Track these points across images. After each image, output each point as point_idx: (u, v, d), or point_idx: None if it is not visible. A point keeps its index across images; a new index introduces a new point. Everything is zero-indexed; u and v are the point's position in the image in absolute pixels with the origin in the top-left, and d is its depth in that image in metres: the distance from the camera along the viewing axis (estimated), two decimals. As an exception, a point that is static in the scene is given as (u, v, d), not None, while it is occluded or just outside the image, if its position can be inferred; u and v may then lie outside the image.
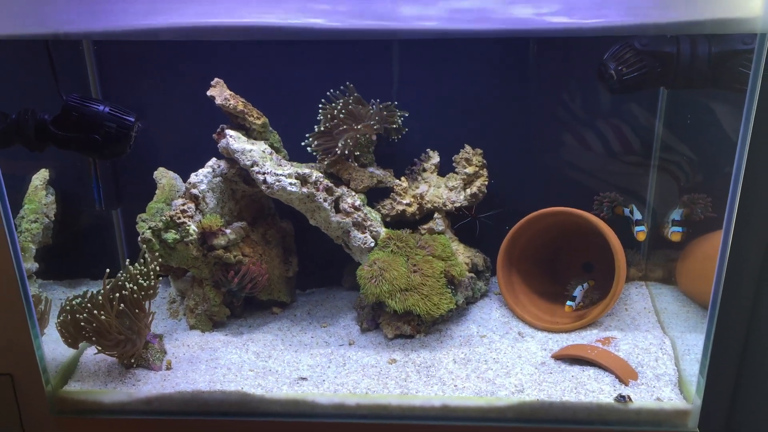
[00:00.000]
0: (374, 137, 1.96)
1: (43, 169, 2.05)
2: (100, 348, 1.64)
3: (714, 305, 1.44)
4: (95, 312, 1.57)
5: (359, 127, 1.89)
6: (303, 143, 1.95)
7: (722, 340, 1.46)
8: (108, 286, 1.60)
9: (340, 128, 1.91)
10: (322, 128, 1.93)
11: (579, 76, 1.97)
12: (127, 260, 1.68)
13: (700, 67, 1.56)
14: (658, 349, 1.74)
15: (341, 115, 1.90)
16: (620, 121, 2.00)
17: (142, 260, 1.68)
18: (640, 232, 1.91)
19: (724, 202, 1.39)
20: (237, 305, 1.99)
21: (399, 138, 1.97)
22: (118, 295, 1.59)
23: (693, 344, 1.67)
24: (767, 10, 1.18)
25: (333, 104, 1.92)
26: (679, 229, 1.85)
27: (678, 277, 2.04)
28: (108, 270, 1.62)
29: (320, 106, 1.93)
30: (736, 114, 1.33)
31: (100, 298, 1.59)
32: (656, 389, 1.58)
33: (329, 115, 1.91)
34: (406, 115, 1.94)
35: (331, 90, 1.91)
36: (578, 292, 1.92)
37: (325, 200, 1.87)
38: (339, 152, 1.89)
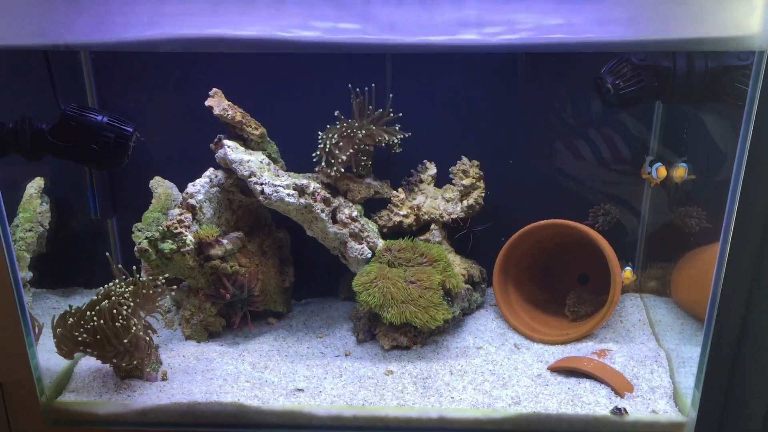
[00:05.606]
0: (372, 148, 1.96)
1: (38, 178, 2.04)
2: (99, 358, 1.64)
3: (710, 318, 1.45)
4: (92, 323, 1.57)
5: (362, 135, 1.89)
6: (314, 171, 1.98)
7: (717, 353, 1.47)
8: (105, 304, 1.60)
9: (343, 141, 1.91)
10: (325, 149, 1.93)
11: (576, 89, 1.98)
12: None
13: (697, 82, 1.57)
14: (653, 362, 1.75)
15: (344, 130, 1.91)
16: (616, 134, 2.01)
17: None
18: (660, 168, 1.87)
19: (719, 213, 1.40)
20: (237, 317, 1.97)
21: (399, 149, 1.98)
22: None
23: (688, 357, 1.68)
24: (765, 29, 1.20)
25: (337, 125, 1.92)
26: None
27: (672, 289, 2.05)
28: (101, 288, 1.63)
29: (320, 133, 1.93)
30: (732, 128, 1.35)
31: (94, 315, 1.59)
32: (652, 402, 1.59)
33: (334, 135, 1.91)
34: (402, 134, 1.95)
35: (337, 112, 1.92)
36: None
37: (322, 211, 1.87)
38: (346, 164, 1.89)
